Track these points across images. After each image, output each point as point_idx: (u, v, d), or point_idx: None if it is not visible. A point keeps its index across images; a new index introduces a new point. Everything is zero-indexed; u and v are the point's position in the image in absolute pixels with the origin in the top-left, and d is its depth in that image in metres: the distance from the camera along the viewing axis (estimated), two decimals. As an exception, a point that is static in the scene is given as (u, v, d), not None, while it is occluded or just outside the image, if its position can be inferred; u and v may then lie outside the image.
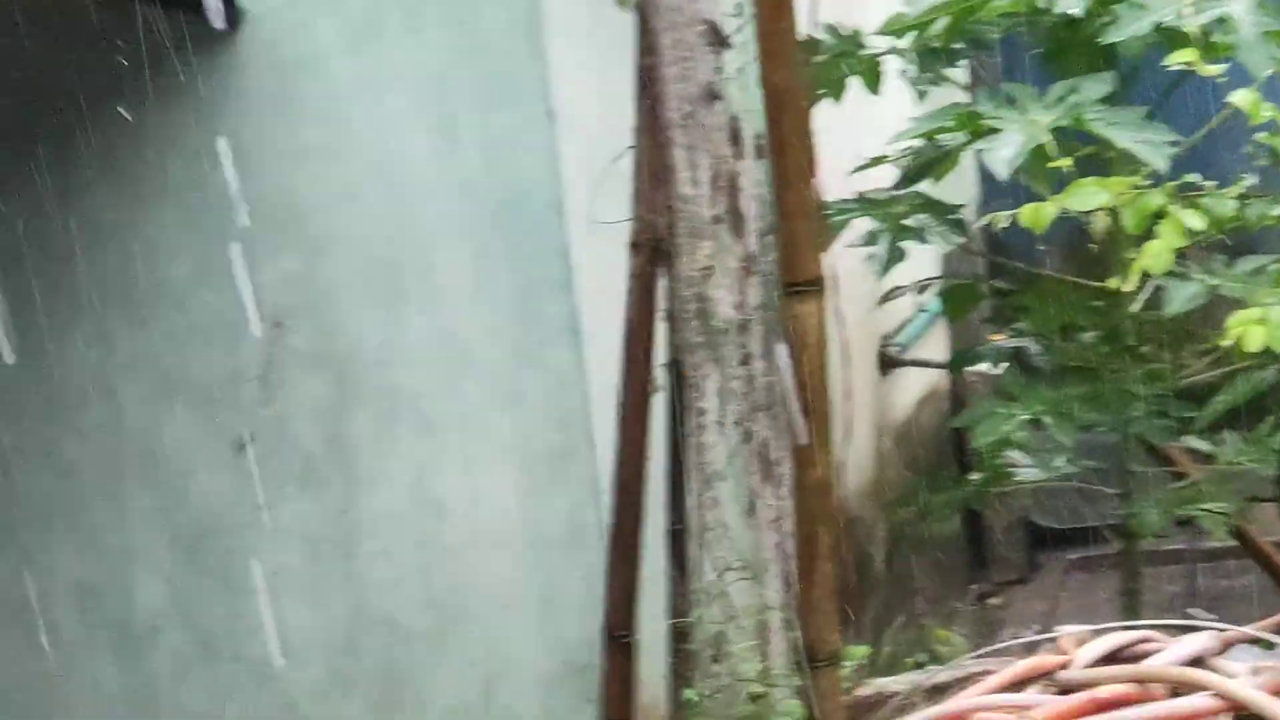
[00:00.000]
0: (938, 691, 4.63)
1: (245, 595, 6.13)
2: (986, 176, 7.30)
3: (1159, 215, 5.29)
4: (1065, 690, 4.23)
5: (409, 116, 5.91)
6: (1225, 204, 5.52)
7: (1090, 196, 5.27)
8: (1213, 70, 5.32)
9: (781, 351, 4.49)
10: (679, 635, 4.98)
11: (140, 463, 6.18)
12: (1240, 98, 5.32)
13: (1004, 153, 5.40)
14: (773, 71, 4.33)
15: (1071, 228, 5.63)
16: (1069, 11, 5.69)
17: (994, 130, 5.51)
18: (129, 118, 5.90)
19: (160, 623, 6.23)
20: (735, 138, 4.86)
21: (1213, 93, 5.54)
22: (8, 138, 6.03)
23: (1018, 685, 4.34)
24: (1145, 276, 5.42)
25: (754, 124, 4.83)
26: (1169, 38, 5.46)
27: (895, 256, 5.99)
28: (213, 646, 6.18)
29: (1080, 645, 4.42)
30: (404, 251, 5.99)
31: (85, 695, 6.25)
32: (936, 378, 9.53)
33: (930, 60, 6.09)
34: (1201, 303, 5.65)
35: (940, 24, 5.88)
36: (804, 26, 4.96)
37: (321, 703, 6.12)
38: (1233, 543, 6.68)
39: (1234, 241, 5.80)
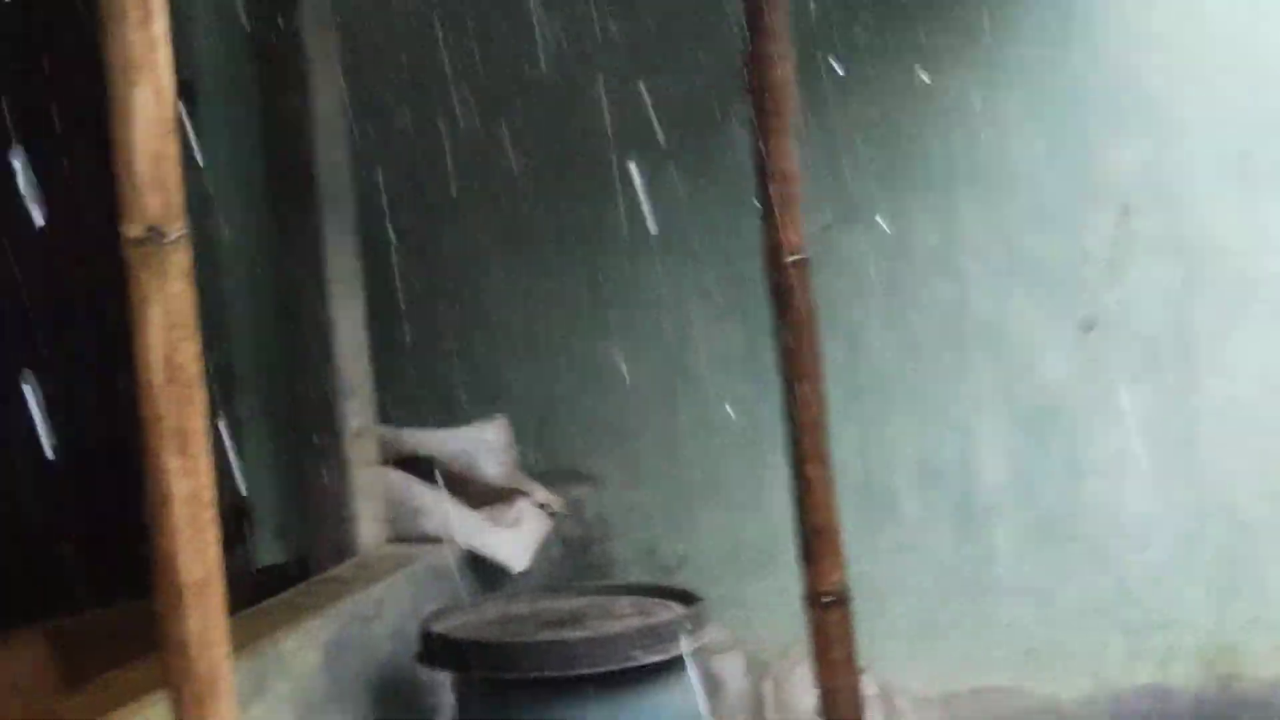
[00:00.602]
0: None
1: (1084, 477, 6.18)
2: None
3: None
4: None
5: (1272, 2, 5.78)
6: None
7: None
8: None
9: None
10: None
11: (983, 340, 6.25)
12: None
13: None
14: None
15: None
16: None
17: None
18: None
19: (1000, 500, 6.29)
20: None
21: None
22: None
23: None
24: None
25: None
26: None
27: None
28: (1051, 526, 6.21)
29: None
30: (1258, 139, 5.90)
31: (925, 569, 6.35)
32: None
33: None
34: None
35: None
36: None
37: (1157, 588, 6.10)
38: None
39: None
